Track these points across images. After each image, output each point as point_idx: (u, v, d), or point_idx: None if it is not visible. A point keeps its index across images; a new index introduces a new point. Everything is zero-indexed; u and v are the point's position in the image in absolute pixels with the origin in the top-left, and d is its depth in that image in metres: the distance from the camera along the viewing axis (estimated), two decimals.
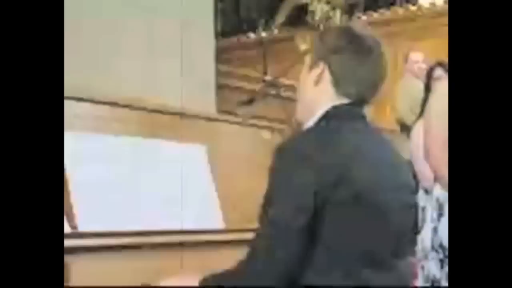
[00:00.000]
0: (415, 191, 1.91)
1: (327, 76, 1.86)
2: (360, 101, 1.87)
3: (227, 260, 1.79)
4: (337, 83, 1.85)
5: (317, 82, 1.87)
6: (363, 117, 1.88)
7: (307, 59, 1.93)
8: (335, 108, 1.84)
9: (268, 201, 1.73)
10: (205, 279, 1.80)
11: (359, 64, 1.85)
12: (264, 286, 1.71)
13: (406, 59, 6.41)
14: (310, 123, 1.85)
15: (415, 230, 1.96)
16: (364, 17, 7.98)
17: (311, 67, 1.89)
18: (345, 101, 1.85)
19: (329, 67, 1.86)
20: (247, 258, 1.74)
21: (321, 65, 1.87)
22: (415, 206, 1.91)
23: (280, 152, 1.75)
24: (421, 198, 3.26)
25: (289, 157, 1.73)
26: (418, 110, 5.93)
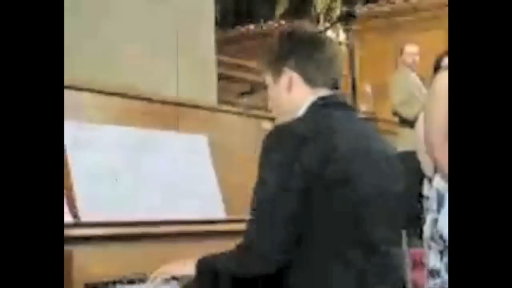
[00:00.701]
0: (403, 179, 1.91)
1: (296, 78, 1.89)
2: (333, 87, 1.91)
3: (229, 249, 1.82)
4: (309, 79, 1.89)
5: (289, 88, 1.90)
6: (346, 105, 1.93)
7: (267, 78, 1.95)
8: (320, 98, 1.87)
9: (258, 186, 1.76)
10: (200, 262, 1.84)
11: (317, 53, 1.89)
12: (249, 275, 1.77)
13: (401, 51, 6.41)
14: (296, 115, 1.88)
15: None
16: (364, 9, 7.97)
17: (276, 78, 1.92)
18: (323, 92, 1.88)
19: (294, 69, 1.89)
20: (241, 244, 1.78)
21: (286, 71, 1.90)
22: (404, 194, 1.92)
23: (267, 140, 1.79)
24: (426, 188, 3.27)
25: (275, 145, 1.76)
26: (412, 102, 5.97)
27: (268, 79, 1.95)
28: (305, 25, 2.02)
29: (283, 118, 1.94)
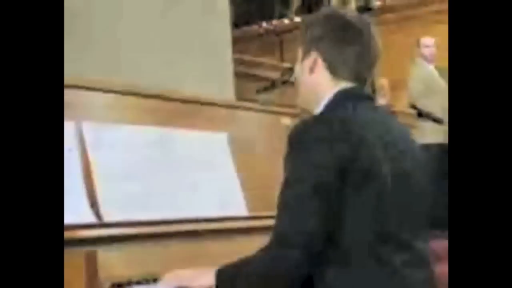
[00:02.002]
0: (428, 172, 1.90)
1: (320, 62, 1.88)
2: (359, 81, 1.88)
3: (251, 246, 1.79)
4: (331, 67, 1.87)
5: (311, 70, 1.89)
6: (369, 98, 1.91)
7: (299, 52, 1.95)
8: (342, 92, 1.85)
9: (285, 185, 1.73)
10: (220, 273, 1.78)
11: (348, 45, 1.86)
12: (283, 272, 1.70)
13: (417, 43, 6.38)
14: (319, 108, 1.86)
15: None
16: (377, 2, 7.94)
17: (303, 58, 1.92)
18: (345, 83, 1.87)
19: (320, 53, 1.88)
20: (270, 242, 1.73)
21: (312, 54, 1.89)
22: (428, 187, 1.90)
23: (294, 136, 1.76)
24: None
25: (304, 139, 1.74)
26: (430, 94, 5.94)
27: (299, 53, 1.95)
28: (349, 13, 1.98)
29: (299, 100, 1.96)
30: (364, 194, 1.70)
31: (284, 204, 1.73)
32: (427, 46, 6.22)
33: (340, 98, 1.84)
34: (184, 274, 1.87)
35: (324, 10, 2.05)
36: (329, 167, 1.68)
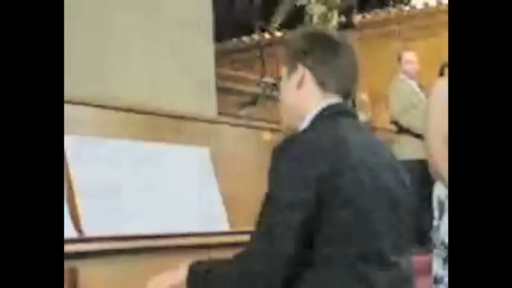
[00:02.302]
0: (408, 187, 1.92)
1: (308, 76, 1.88)
2: (345, 95, 1.90)
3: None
4: (320, 80, 1.87)
5: (299, 85, 1.88)
6: (353, 115, 1.91)
7: (283, 69, 1.94)
8: (326, 108, 1.85)
9: (267, 200, 1.73)
10: (192, 267, 1.79)
11: (334, 58, 1.87)
12: (263, 283, 1.70)
13: (399, 59, 6.41)
14: (304, 125, 1.86)
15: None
16: (358, 18, 8.00)
17: (289, 74, 1.91)
18: (333, 99, 1.87)
19: (307, 67, 1.88)
20: (241, 256, 1.74)
21: (299, 68, 1.89)
22: (409, 203, 1.91)
23: (277, 152, 1.76)
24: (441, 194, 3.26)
25: (287, 156, 1.73)
26: (412, 110, 5.97)
27: (284, 71, 1.94)
28: (328, 29, 2.01)
29: (285, 116, 1.95)
30: (343, 212, 1.69)
31: (263, 220, 1.73)
32: (409, 62, 6.24)
33: (324, 115, 1.84)
34: (163, 279, 1.85)
35: (303, 28, 2.06)
36: (309, 185, 1.68)
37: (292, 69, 1.91)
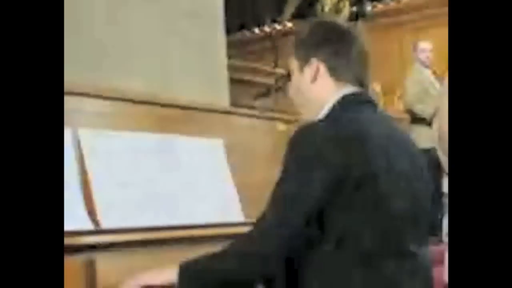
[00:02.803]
0: (429, 177, 1.90)
1: (322, 69, 1.87)
2: (361, 84, 1.88)
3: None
4: (335, 73, 1.86)
5: (314, 79, 1.87)
6: (373, 102, 1.89)
7: (293, 64, 1.92)
8: (347, 96, 1.84)
9: (280, 182, 1.73)
10: (183, 268, 1.78)
11: (346, 47, 1.87)
12: (257, 269, 1.72)
13: (414, 48, 6.38)
14: (321, 115, 1.84)
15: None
16: (368, 8, 7.97)
17: (301, 68, 1.90)
18: (349, 88, 1.86)
19: (322, 60, 1.86)
20: (242, 240, 1.75)
21: (313, 61, 1.87)
22: (429, 191, 1.90)
23: (294, 137, 1.75)
24: (445, 185, 3.27)
25: (304, 139, 1.73)
26: (426, 99, 5.95)
27: (294, 66, 1.92)
28: (338, 20, 2.00)
29: (303, 110, 1.93)
30: (360, 199, 1.68)
31: (272, 201, 1.73)
32: (423, 51, 6.22)
33: (344, 103, 1.83)
34: (144, 274, 1.84)
35: (312, 20, 2.05)
36: (323, 171, 1.67)
37: (304, 62, 1.89)
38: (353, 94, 1.85)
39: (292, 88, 1.95)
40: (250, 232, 1.75)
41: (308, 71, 1.88)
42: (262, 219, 1.73)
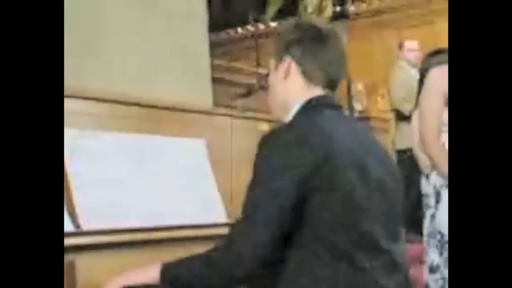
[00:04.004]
0: (399, 176, 1.92)
1: (294, 67, 1.90)
2: (331, 87, 1.91)
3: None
4: (305, 71, 1.89)
5: (286, 75, 1.90)
6: (338, 107, 1.92)
7: (271, 63, 1.96)
8: (311, 100, 1.87)
9: (251, 187, 1.75)
10: (165, 270, 1.79)
11: (320, 49, 1.89)
12: (238, 272, 1.72)
13: (400, 47, 6.40)
14: (289, 116, 1.87)
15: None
16: (352, 8, 7.99)
17: (277, 64, 1.93)
18: (318, 90, 1.89)
19: (294, 58, 1.89)
20: (221, 245, 1.75)
21: (286, 59, 1.90)
22: (399, 186, 1.91)
23: (262, 141, 1.78)
24: (423, 185, 3.28)
25: (270, 145, 1.76)
26: (413, 98, 5.97)
27: (271, 64, 1.96)
28: (317, 21, 2.02)
29: (277, 111, 1.95)
30: (331, 198, 1.70)
31: (245, 207, 1.75)
32: (411, 50, 6.24)
33: (309, 106, 1.86)
34: (124, 276, 1.85)
35: (292, 20, 2.07)
36: (292, 173, 1.69)
37: (279, 60, 1.92)
38: (318, 98, 1.87)
39: (269, 87, 1.98)
40: (226, 237, 1.77)
41: (281, 68, 1.91)
42: (236, 226, 1.76)
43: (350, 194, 1.72)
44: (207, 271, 1.74)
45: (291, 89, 1.90)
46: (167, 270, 1.79)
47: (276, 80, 1.93)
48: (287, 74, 1.90)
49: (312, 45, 1.89)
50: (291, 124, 1.83)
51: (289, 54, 1.90)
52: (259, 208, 1.71)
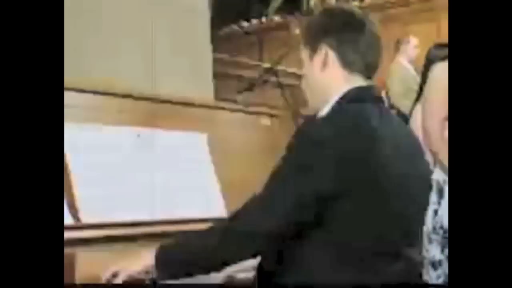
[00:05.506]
0: (429, 180, 1.89)
1: (332, 57, 1.82)
2: (369, 72, 1.84)
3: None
4: (344, 61, 1.82)
5: (323, 66, 1.83)
6: (378, 99, 1.86)
7: (303, 53, 1.89)
8: (354, 90, 1.80)
9: (276, 171, 1.71)
10: (160, 252, 1.77)
11: (356, 34, 1.81)
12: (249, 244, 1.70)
13: (401, 43, 6.38)
14: (326, 108, 1.81)
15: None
16: (355, 3, 7.97)
17: (311, 55, 1.85)
18: (358, 79, 1.82)
19: (332, 48, 1.82)
20: (234, 215, 1.75)
21: (323, 49, 1.83)
22: (427, 193, 1.89)
23: (297, 135, 1.72)
24: None
25: (307, 140, 1.70)
26: (411, 94, 5.96)
27: (304, 55, 1.88)
28: (349, 6, 1.93)
29: (314, 101, 1.89)
30: (359, 201, 1.66)
31: (266, 186, 1.71)
32: (411, 46, 6.22)
33: (349, 99, 1.79)
34: (124, 261, 1.83)
35: (321, 8, 2.00)
36: (322, 171, 1.64)
37: (314, 50, 1.85)
38: (359, 88, 1.81)
39: (304, 79, 1.91)
40: (237, 211, 1.74)
41: (317, 58, 1.84)
42: (252, 200, 1.72)
43: (379, 202, 1.67)
44: (213, 241, 1.71)
45: (330, 79, 1.82)
46: (163, 253, 1.77)
47: (312, 71, 1.85)
48: (324, 64, 1.83)
49: (347, 31, 1.81)
50: (329, 118, 1.76)
51: (324, 43, 1.82)
52: (279, 193, 1.67)
